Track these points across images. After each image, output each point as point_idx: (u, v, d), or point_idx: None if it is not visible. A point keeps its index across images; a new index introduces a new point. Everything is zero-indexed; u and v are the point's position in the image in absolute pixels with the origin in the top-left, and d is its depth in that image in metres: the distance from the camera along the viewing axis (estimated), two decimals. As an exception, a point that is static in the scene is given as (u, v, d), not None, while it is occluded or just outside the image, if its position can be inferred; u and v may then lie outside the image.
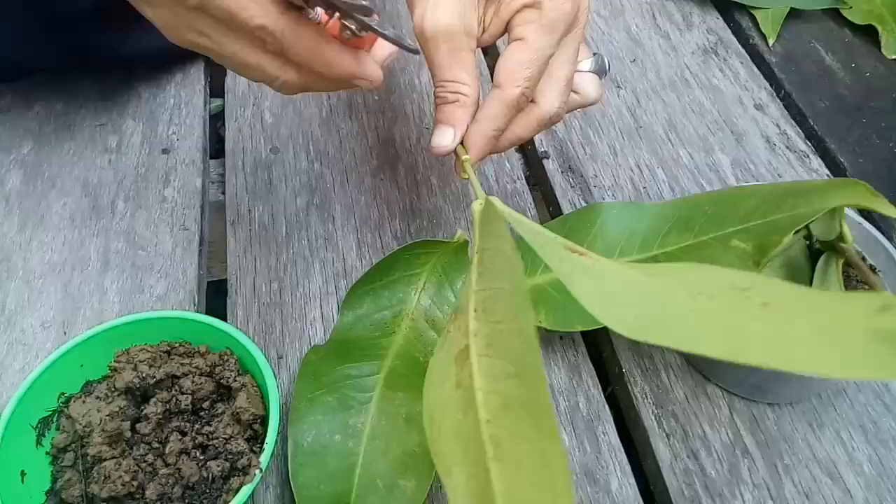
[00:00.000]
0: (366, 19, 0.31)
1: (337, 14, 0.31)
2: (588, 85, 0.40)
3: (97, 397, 0.33)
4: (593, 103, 0.41)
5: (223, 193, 0.51)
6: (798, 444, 0.40)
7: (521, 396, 0.22)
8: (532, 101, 0.38)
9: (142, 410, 0.33)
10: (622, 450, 0.40)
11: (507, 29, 0.37)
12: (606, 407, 0.41)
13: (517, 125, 0.38)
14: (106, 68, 0.56)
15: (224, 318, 0.43)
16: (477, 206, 0.31)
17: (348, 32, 0.32)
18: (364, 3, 0.30)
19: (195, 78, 0.58)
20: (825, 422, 0.41)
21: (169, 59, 0.58)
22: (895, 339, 0.16)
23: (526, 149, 0.57)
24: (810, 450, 0.40)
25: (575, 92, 0.40)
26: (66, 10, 0.48)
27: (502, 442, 0.21)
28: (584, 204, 0.51)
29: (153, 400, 0.33)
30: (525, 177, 0.54)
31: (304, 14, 0.31)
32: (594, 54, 0.41)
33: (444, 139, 0.36)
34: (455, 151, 0.37)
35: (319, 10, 0.31)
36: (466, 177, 0.36)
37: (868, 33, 0.65)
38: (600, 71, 0.41)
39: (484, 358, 0.24)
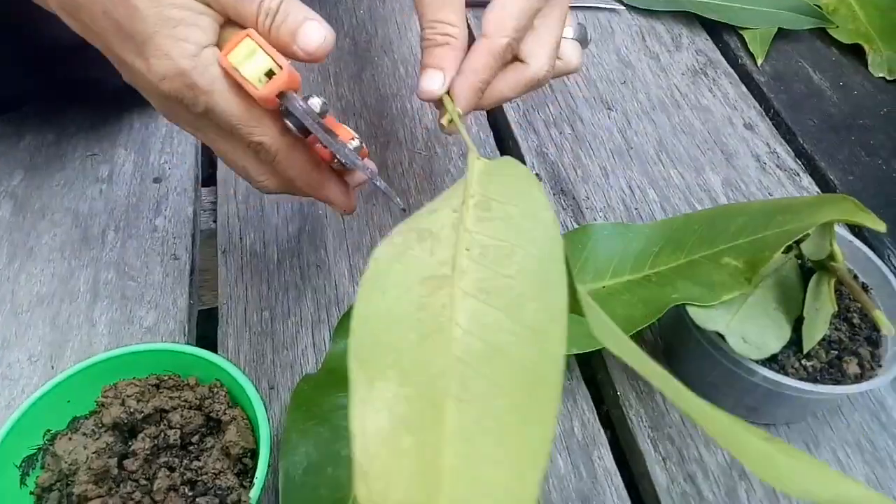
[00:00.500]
0: (358, 162, 0.33)
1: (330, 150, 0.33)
2: (571, 51, 0.41)
3: (84, 434, 0.33)
4: (574, 70, 0.42)
5: (215, 221, 0.51)
6: (796, 466, 0.40)
7: (519, 354, 0.22)
8: (521, 61, 0.38)
9: (129, 446, 0.33)
10: (618, 474, 0.39)
11: None
12: (602, 431, 0.41)
13: (504, 84, 0.38)
14: (97, 99, 0.56)
15: (215, 347, 0.43)
16: (475, 161, 0.30)
17: (337, 162, 0.34)
18: (356, 144, 0.32)
19: (186, 106, 0.58)
20: (821, 441, 0.41)
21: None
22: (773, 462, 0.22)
23: (517, 171, 0.57)
24: (809, 472, 0.39)
25: (558, 58, 0.40)
26: (54, 44, 0.48)
27: (472, 385, 0.21)
28: (576, 226, 0.51)
29: (141, 435, 0.33)
30: (517, 199, 0.54)
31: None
32: (578, 23, 0.41)
33: (433, 83, 0.35)
34: (442, 102, 0.36)
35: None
36: (452, 131, 0.36)
37: (855, 52, 0.66)
38: (582, 40, 0.42)
39: (472, 299, 0.24)
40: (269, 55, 0.30)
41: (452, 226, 0.27)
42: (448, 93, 0.36)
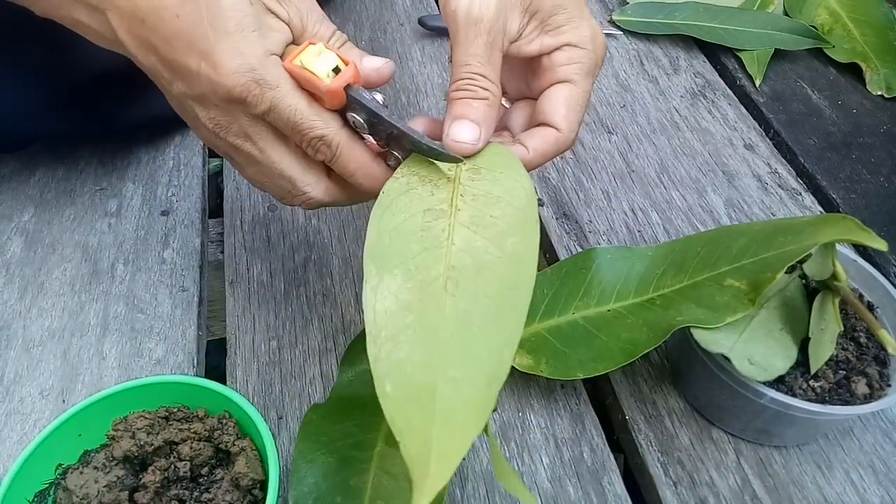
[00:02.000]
0: (435, 146, 0.33)
1: (387, 147, 0.35)
2: None
3: (95, 467, 0.33)
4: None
5: (222, 252, 0.52)
6: (808, 487, 0.39)
7: (501, 270, 0.28)
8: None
9: (140, 479, 0.33)
10: (629, 500, 0.39)
11: (541, 56, 0.37)
12: (611, 457, 0.41)
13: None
14: (106, 134, 0.57)
15: (224, 378, 0.43)
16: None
17: (393, 161, 0.35)
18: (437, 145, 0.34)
19: (194, 139, 0.59)
20: (834, 463, 0.40)
21: (171, 121, 0.59)
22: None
23: (520, 196, 0.57)
24: (821, 493, 0.39)
25: None
26: (80, 79, 0.49)
27: (464, 286, 0.28)
28: (579, 249, 0.51)
29: (151, 468, 0.33)
30: (520, 224, 0.54)
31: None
32: None
33: (470, 135, 0.34)
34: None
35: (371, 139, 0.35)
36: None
37: (852, 70, 0.66)
38: None
39: (465, 229, 0.30)
40: (335, 54, 0.33)
41: (448, 179, 0.33)
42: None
